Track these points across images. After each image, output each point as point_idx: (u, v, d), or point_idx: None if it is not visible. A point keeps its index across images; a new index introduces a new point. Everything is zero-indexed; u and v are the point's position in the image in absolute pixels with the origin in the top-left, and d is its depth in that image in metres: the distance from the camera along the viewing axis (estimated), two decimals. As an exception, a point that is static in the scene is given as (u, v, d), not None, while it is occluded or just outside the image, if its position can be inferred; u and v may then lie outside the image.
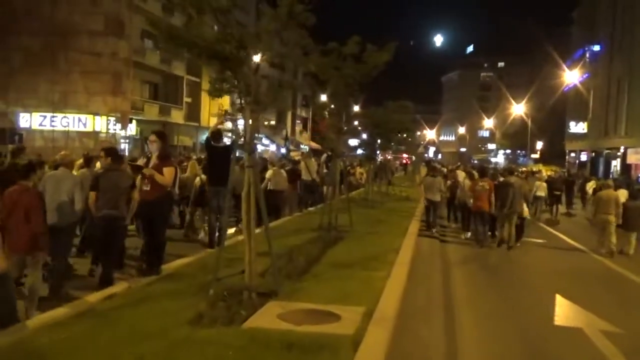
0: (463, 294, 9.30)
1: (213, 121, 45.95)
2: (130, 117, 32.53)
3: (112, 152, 8.93)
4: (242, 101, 6.87)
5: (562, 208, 24.11)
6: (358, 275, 8.23)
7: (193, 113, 42.66)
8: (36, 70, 30.57)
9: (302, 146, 64.39)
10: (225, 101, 46.93)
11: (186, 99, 41.67)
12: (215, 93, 7.08)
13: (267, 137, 57.22)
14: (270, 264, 7.12)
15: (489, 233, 14.52)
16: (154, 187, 7.91)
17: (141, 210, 8.08)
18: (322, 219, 12.82)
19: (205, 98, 43.40)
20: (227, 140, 11.97)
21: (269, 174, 16.06)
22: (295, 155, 49.82)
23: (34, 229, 6.52)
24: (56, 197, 7.59)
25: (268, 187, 15.51)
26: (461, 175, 18.31)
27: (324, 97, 16.18)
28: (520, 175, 21.70)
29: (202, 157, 25.95)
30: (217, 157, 10.17)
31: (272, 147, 57.96)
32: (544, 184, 21.58)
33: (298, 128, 68.78)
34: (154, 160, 8.23)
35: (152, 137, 8.18)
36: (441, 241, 15.05)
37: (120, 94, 30.99)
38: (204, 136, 46.84)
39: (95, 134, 31.44)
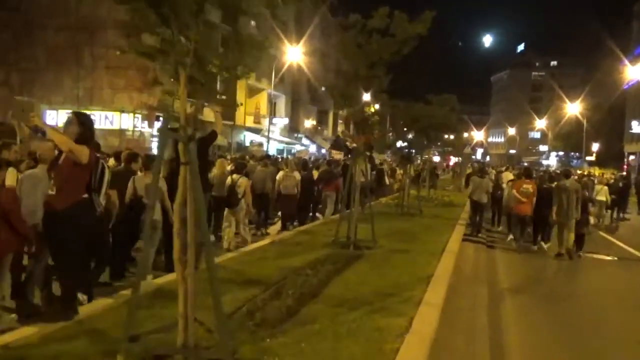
0: (515, 342, 6.53)
1: (248, 120, 43.84)
2: (158, 114, 30.56)
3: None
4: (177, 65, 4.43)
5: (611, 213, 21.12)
6: (365, 325, 5.55)
7: (227, 111, 40.54)
8: (61, 66, 29.00)
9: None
10: (263, 99, 44.88)
11: (220, 97, 39.58)
12: (142, 50, 4.58)
13: (307, 137, 54.85)
14: (216, 321, 4.46)
15: (540, 240, 13.42)
16: (63, 190, 5.45)
17: (45, 224, 5.56)
18: (337, 230, 10.20)
19: (240, 96, 41.34)
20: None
21: (279, 176, 13.87)
22: (336, 155, 47.40)
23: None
24: (32, 199, 6.01)
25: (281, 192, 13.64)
26: (507, 177, 17.41)
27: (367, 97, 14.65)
28: (582, 178, 18.67)
29: (236, 156, 24.01)
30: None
31: (312, 148, 55.60)
32: (605, 188, 19.17)
33: (340, 128, 66.15)
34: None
35: (70, 119, 5.66)
36: (488, 246, 13.66)
37: (147, 90, 29.01)
38: (240, 136, 45.00)
39: (120, 132, 29.63)
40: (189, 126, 4.49)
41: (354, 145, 10.94)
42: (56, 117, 30.36)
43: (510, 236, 14.06)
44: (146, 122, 29.84)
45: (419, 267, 8.62)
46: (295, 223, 14.00)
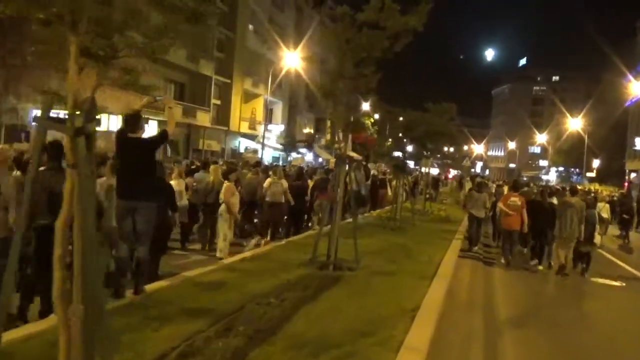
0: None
1: (243, 125, 42.70)
2: (147, 117, 29.38)
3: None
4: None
5: (613, 230, 19.90)
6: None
7: (222, 116, 39.45)
8: (47, 62, 27.74)
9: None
10: (259, 105, 43.70)
11: (214, 101, 38.46)
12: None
13: (304, 145, 53.68)
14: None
15: (535, 259, 12.67)
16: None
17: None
18: (315, 247, 8.99)
19: (235, 101, 40.24)
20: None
21: (265, 184, 12.93)
22: (333, 163, 46.17)
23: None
24: None
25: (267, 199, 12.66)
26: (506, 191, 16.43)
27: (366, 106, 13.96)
28: (588, 196, 17.44)
29: (230, 161, 22.67)
30: (130, 154, 6.48)
31: (309, 156, 54.42)
32: (607, 205, 17.81)
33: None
34: None
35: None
36: (485, 263, 12.76)
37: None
38: (234, 141, 43.85)
39: (107, 134, 28.33)
40: (79, 115, 3.28)
41: (338, 151, 9.73)
42: (42, 117, 29.16)
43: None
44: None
45: (406, 294, 7.39)
46: (280, 231, 13.35)
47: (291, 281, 7.60)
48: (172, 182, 10.59)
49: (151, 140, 6.70)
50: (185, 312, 5.80)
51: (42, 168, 5.94)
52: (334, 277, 8.15)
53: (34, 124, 28.89)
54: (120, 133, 6.59)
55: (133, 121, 6.62)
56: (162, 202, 7.55)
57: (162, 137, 6.72)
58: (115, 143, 6.63)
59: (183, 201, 10.71)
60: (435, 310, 6.66)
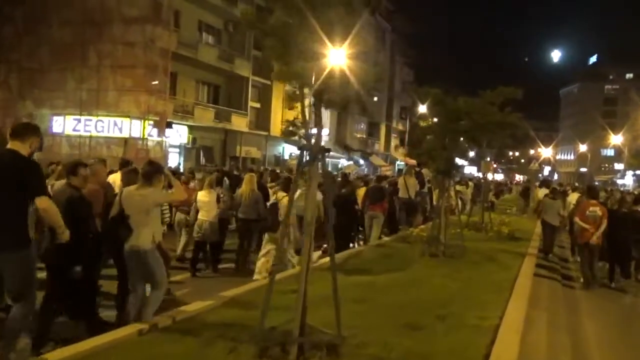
0: None
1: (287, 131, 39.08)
2: (170, 120, 26.14)
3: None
4: None
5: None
6: None
7: (262, 120, 35.95)
8: (64, 65, 25.06)
9: (398, 162, 56.21)
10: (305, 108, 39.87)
11: (253, 104, 34.97)
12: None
13: (357, 151, 49.60)
14: None
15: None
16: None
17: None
18: (264, 307, 4.96)
19: (276, 104, 36.69)
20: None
21: (296, 195, 9.21)
22: (385, 170, 41.85)
23: None
24: None
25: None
26: (573, 198, 15.72)
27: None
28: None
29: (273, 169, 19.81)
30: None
31: (361, 163, 50.31)
32: None
33: (394, 143, 60.50)
34: None
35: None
36: (564, 285, 10.74)
37: (156, 93, 24.56)
38: (277, 147, 40.28)
39: (127, 141, 25.32)
40: None
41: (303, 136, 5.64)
42: (63, 124, 26.60)
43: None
44: (156, 130, 25.45)
45: None
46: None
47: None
48: (201, 193, 9.98)
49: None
50: None
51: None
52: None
53: (54, 131, 26.33)
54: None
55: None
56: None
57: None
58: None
59: (211, 217, 9.83)
60: None
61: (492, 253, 11.40)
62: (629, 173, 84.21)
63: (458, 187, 22.02)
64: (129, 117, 25.31)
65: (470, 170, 63.52)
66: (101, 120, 26.00)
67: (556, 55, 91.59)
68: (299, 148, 5.01)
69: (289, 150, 40.00)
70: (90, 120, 25.89)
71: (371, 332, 5.43)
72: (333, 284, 4.83)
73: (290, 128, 4.40)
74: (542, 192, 17.39)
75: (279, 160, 38.13)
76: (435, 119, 11.46)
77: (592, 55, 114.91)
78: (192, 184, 12.26)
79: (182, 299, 7.44)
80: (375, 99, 54.54)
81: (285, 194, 9.29)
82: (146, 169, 5.93)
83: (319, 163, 4.89)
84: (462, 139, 10.96)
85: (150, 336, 5.12)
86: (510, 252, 11.90)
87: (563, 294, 10.36)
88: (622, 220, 10.81)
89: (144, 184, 5.77)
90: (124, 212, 5.72)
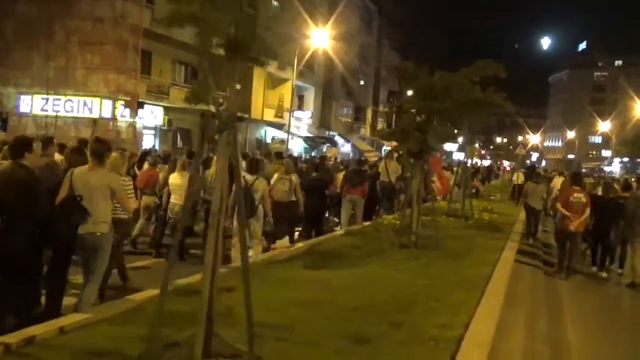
0: None
1: (268, 113, 37.76)
2: (142, 100, 24.82)
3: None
4: None
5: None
6: None
7: (241, 102, 34.62)
8: (30, 41, 23.68)
9: (384, 147, 55.21)
10: (288, 91, 38.47)
11: (233, 86, 33.63)
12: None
13: (341, 135, 48.47)
14: None
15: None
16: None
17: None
18: (154, 324, 3.94)
19: (258, 85, 35.41)
20: None
21: (273, 179, 10.41)
22: (371, 156, 40.80)
23: None
24: None
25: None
26: (558, 183, 16.29)
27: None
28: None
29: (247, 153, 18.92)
30: None
31: (347, 148, 49.24)
32: None
33: (381, 126, 59.38)
34: None
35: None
36: (545, 273, 10.45)
37: (127, 71, 23.25)
38: (260, 131, 39.06)
39: (95, 121, 24.05)
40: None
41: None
42: (31, 104, 25.27)
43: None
44: (127, 110, 24.19)
45: None
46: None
47: None
48: (173, 176, 9.44)
49: None
50: None
51: None
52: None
53: (22, 111, 25.01)
54: None
55: None
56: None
57: None
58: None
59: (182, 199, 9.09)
60: None
61: (469, 243, 10.42)
62: (616, 160, 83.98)
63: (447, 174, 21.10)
64: (99, 96, 24.05)
65: (459, 156, 62.78)
66: (70, 100, 24.70)
67: (546, 42, 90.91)
68: (202, 115, 3.98)
69: (271, 134, 38.83)
70: (59, 99, 24.58)
71: (307, 348, 4.43)
72: (245, 287, 3.78)
73: (197, 90, 3.50)
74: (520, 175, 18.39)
75: (260, 144, 36.95)
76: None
77: (581, 42, 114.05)
78: (158, 167, 11.27)
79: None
80: (362, 82, 53.42)
81: (253, 176, 8.64)
82: (96, 147, 5.57)
83: (231, 135, 3.85)
84: (437, 118, 9.87)
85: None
86: (489, 243, 10.94)
87: (544, 287, 9.48)
88: (606, 206, 10.61)
89: (95, 163, 5.44)
90: (75, 195, 5.24)
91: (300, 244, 9.82)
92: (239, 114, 3.99)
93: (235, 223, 8.87)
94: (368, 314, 5.46)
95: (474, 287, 6.86)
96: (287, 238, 10.98)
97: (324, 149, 41.92)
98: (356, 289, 6.40)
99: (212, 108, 3.89)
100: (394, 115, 57.06)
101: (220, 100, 3.98)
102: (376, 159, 35.88)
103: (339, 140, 47.73)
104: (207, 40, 3.88)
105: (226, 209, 4.03)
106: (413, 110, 10.28)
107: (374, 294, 6.23)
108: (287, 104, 37.39)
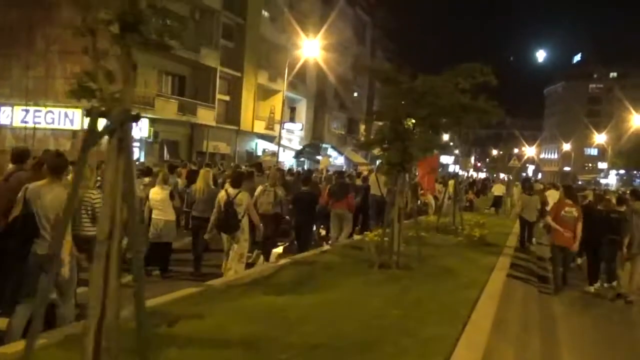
0: None
1: (259, 125, 36.89)
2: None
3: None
4: None
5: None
6: None
7: (231, 114, 33.83)
8: (10, 51, 22.92)
9: (378, 161, 54.36)
10: (279, 102, 37.62)
11: (222, 97, 32.82)
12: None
13: (334, 148, 47.63)
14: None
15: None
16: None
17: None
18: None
19: (247, 97, 34.61)
20: None
21: (257, 191, 10.29)
22: (364, 169, 39.93)
23: None
24: None
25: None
26: (552, 196, 15.93)
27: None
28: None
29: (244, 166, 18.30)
30: None
31: (340, 160, 48.36)
32: None
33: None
34: None
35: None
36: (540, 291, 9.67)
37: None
38: (251, 143, 38.17)
39: (76, 133, 23.22)
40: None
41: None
42: (11, 115, 24.45)
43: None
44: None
45: None
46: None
47: None
48: (153, 190, 9.11)
49: None
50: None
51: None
52: None
53: (1, 123, 24.11)
54: None
55: None
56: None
57: None
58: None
59: (167, 215, 9.01)
60: None
61: (455, 263, 9.50)
62: (613, 172, 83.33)
63: (438, 187, 20.19)
64: (79, 107, 23.20)
65: (455, 168, 62.03)
66: (51, 112, 23.94)
67: (541, 55, 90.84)
68: (87, 112, 3.09)
69: (262, 146, 37.95)
70: (40, 111, 23.82)
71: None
72: (137, 320, 2.86)
73: (84, 81, 2.80)
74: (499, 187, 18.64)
75: (251, 156, 36.07)
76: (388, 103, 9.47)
77: (576, 54, 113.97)
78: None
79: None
80: (355, 94, 52.67)
81: (236, 190, 8.33)
82: (53, 161, 5.34)
83: (121, 137, 2.97)
84: (419, 126, 9.00)
85: None
86: (479, 261, 10.04)
87: (538, 310, 8.56)
88: (595, 218, 10.34)
89: (53, 179, 5.17)
90: (31, 212, 4.99)
91: (273, 261, 9.04)
92: (135, 112, 3.08)
93: (224, 235, 8.52)
94: (323, 356, 4.53)
95: (455, 317, 5.94)
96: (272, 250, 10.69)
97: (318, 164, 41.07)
98: (317, 321, 5.47)
99: (96, 102, 2.98)
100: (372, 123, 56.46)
101: (114, 93, 3.08)
102: (366, 173, 35.08)
103: (331, 152, 46.87)
104: (92, 15, 2.97)
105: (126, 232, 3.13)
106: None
107: (337, 328, 5.31)
108: (278, 115, 36.59)
